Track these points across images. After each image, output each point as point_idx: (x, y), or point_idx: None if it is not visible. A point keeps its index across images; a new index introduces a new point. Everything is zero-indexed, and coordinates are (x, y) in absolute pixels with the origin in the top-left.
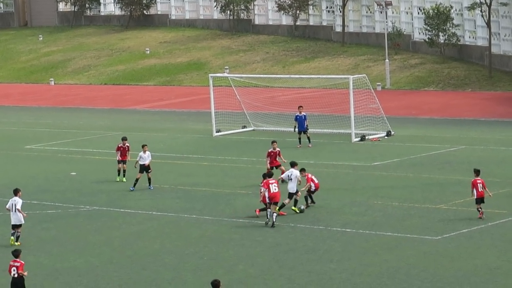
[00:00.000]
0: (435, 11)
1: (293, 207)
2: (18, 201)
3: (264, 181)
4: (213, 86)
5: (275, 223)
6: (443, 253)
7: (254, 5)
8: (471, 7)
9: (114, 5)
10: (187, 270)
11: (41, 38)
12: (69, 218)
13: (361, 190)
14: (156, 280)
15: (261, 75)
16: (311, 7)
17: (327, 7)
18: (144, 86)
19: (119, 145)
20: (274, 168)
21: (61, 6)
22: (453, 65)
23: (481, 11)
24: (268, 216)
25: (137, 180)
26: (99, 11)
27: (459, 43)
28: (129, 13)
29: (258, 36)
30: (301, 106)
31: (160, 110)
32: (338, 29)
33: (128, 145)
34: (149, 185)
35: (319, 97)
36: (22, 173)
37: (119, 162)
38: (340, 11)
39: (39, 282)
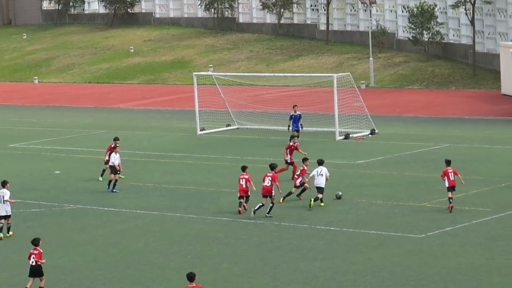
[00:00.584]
0: (419, 9)
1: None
2: (6, 193)
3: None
4: (197, 84)
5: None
6: (427, 251)
7: (238, 3)
8: (455, 5)
9: (98, 3)
10: (171, 269)
11: (25, 37)
12: (53, 217)
13: (345, 188)
14: (141, 278)
15: (245, 74)
16: (295, 5)
17: (311, 5)
18: (128, 85)
19: (112, 145)
20: (287, 163)
21: (45, 4)
22: (437, 63)
23: (465, 9)
24: (243, 205)
25: (110, 181)
26: (83, 9)
27: (443, 41)
28: (113, 12)
29: (242, 35)
30: (296, 106)
31: (145, 109)
32: (322, 27)
33: (119, 145)
34: (111, 187)
35: (303, 95)
36: (6, 171)
37: (106, 162)
38: (324, 9)
39: (22, 281)
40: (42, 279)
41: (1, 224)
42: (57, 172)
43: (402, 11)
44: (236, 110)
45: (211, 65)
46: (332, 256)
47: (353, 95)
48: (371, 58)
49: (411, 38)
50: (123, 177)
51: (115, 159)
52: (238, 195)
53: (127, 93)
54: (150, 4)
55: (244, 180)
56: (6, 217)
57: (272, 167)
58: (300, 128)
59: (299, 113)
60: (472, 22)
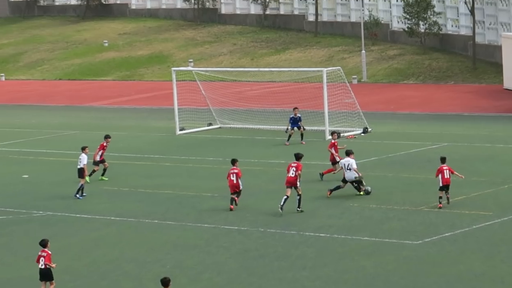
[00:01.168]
0: None
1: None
2: None
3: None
4: (176, 80)
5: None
6: (425, 259)
7: None
8: None
9: None
10: (149, 279)
11: None
12: (21, 224)
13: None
14: None
15: (228, 69)
16: None
17: None
18: (102, 81)
19: (104, 144)
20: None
21: None
22: (434, 56)
23: None
24: (234, 201)
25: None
26: (53, 0)
27: (440, 32)
28: (85, 3)
29: (225, 27)
30: (296, 108)
31: (120, 107)
32: (311, 18)
33: (106, 144)
34: (76, 192)
35: (291, 91)
36: None
37: (95, 163)
38: None
39: None
40: (52, 283)
41: None
42: (25, 176)
43: (397, 0)
44: (218, 108)
45: (191, 60)
46: (322, 264)
47: (344, 91)
48: (363, 51)
49: (406, 29)
50: (106, 179)
51: (83, 160)
52: (230, 192)
53: (101, 91)
54: None
55: (234, 175)
56: None
57: (298, 156)
58: (303, 129)
59: (300, 115)
60: (472, 11)
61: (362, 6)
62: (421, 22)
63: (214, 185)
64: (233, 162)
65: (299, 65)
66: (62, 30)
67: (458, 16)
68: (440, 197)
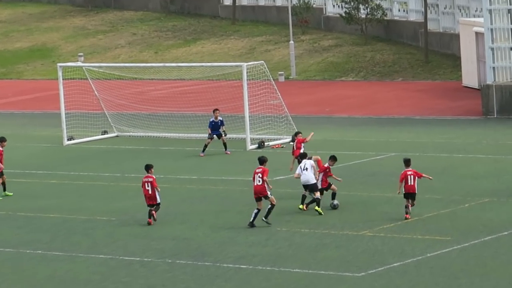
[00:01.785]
0: None
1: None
2: None
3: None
4: (63, 79)
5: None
6: None
7: None
8: None
9: None
10: None
11: None
12: None
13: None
14: None
15: (127, 64)
16: None
17: None
18: None
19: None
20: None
21: None
22: (378, 47)
23: None
24: (152, 215)
25: None
26: None
27: (385, 18)
28: None
29: (122, 13)
30: (217, 110)
31: None
32: (227, 1)
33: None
34: None
35: (204, 91)
36: None
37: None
38: None
39: None
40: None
41: None
42: None
43: None
44: (115, 112)
45: (81, 54)
46: None
47: (268, 90)
48: (291, 42)
49: (343, 15)
50: (11, 194)
51: None
52: (146, 203)
53: None
54: None
55: (149, 184)
56: None
57: (262, 160)
58: (223, 135)
59: (221, 119)
60: None
61: None
62: (361, 6)
63: (111, 207)
64: (147, 168)
65: (213, 60)
66: None
67: None
68: (406, 206)
